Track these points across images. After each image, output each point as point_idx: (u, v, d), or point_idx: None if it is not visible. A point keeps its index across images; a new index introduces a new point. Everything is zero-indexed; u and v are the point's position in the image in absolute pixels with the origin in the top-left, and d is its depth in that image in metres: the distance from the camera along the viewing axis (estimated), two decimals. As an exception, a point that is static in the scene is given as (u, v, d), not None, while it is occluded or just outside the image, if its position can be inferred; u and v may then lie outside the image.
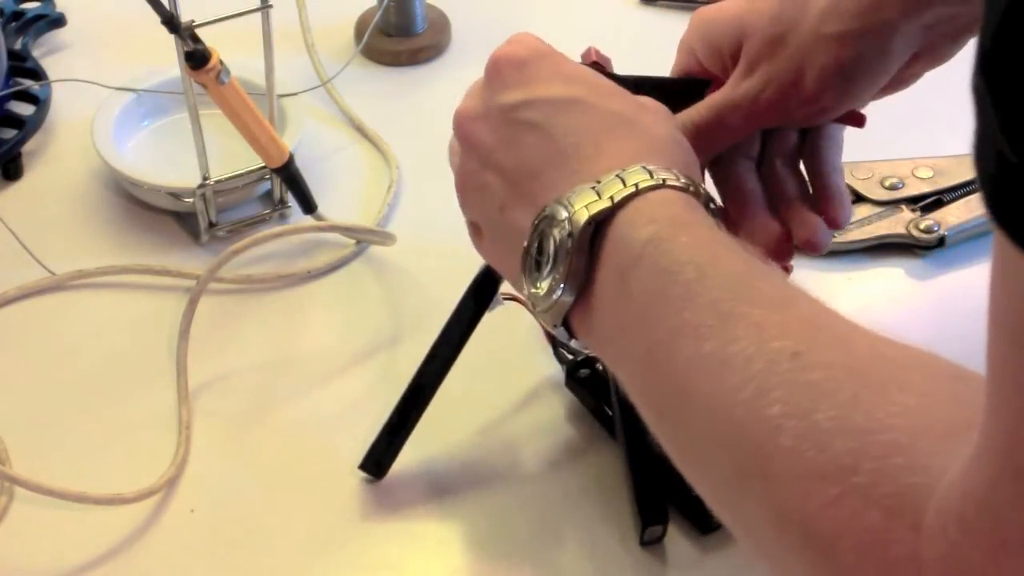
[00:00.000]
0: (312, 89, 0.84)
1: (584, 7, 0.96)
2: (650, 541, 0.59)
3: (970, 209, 0.75)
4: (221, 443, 0.64)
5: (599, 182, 0.46)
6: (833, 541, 0.35)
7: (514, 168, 0.50)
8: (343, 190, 0.79)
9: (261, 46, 0.71)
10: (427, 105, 0.87)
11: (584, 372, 0.65)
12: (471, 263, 0.74)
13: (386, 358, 0.68)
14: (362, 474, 0.62)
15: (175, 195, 0.74)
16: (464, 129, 0.53)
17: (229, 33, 0.67)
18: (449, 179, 0.79)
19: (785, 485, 0.36)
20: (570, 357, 0.66)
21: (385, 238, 0.73)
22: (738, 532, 0.41)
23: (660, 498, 0.59)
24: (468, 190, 0.53)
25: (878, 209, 0.75)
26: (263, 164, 0.73)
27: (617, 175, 0.46)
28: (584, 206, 0.45)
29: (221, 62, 0.66)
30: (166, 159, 0.79)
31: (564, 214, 0.46)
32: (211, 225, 0.74)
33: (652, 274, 0.44)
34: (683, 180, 0.46)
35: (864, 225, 0.74)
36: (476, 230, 0.54)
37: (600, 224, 0.45)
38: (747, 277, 0.43)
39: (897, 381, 0.37)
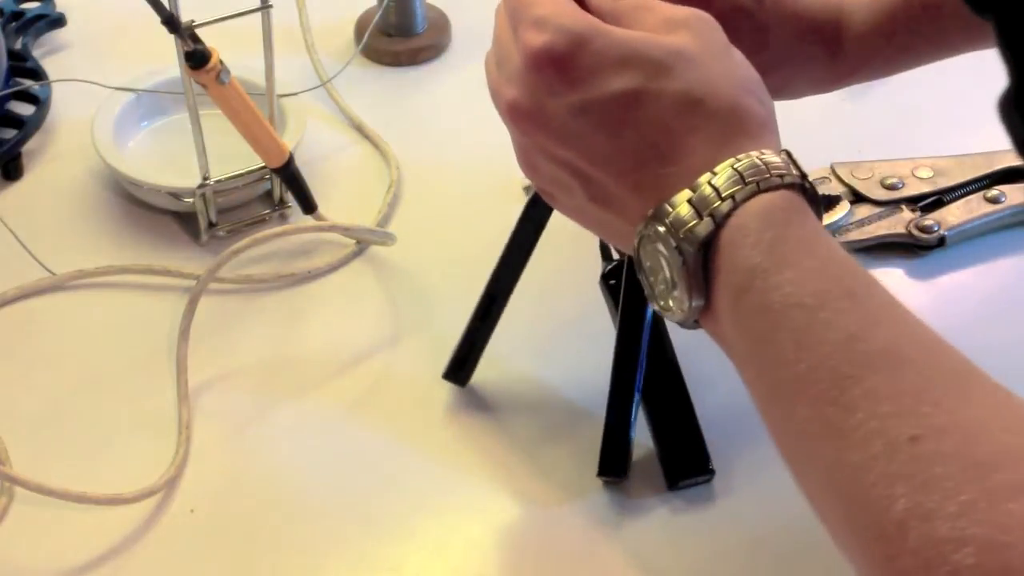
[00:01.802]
0: (312, 89, 0.84)
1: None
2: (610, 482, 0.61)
3: (970, 209, 0.75)
4: (221, 443, 0.64)
5: (694, 191, 0.45)
6: None
7: (588, 168, 0.48)
8: (343, 190, 0.79)
9: (261, 46, 0.71)
10: (427, 105, 0.87)
11: (614, 281, 0.66)
12: (471, 263, 0.74)
13: (386, 358, 0.68)
14: (362, 474, 0.62)
15: (175, 195, 0.74)
16: (519, 124, 0.49)
17: (229, 33, 0.67)
18: (449, 179, 0.80)
19: None
20: (616, 256, 0.67)
21: (385, 238, 0.74)
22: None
23: (624, 452, 0.60)
24: (538, 175, 0.51)
25: (878, 209, 0.75)
26: (263, 164, 0.73)
27: (710, 183, 0.45)
28: (689, 229, 0.45)
29: (221, 62, 0.66)
30: (166, 159, 0.79)
31: (671, 239, 0.45)
32: (211, 225, 0.74)
33: (761, 312, 0.43)
34: (774, 171, 0.45)
35: (864, 225, 0.74)
36: (549, 195, 0.53)
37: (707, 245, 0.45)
38: (857, 323, 0.42)
39: (1011, 485, 0.37)
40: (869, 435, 0.39)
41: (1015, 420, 0.39)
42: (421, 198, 0.79)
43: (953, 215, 0.75)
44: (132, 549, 0.59)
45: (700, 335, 0.48)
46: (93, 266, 0.72)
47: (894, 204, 0.75)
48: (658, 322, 0.62)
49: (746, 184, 0.44)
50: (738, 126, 0.46)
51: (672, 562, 0.59)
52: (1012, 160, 0.77)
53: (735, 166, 0.45)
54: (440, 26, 0.92)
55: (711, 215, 0.44)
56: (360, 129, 0.84)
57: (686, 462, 0.62)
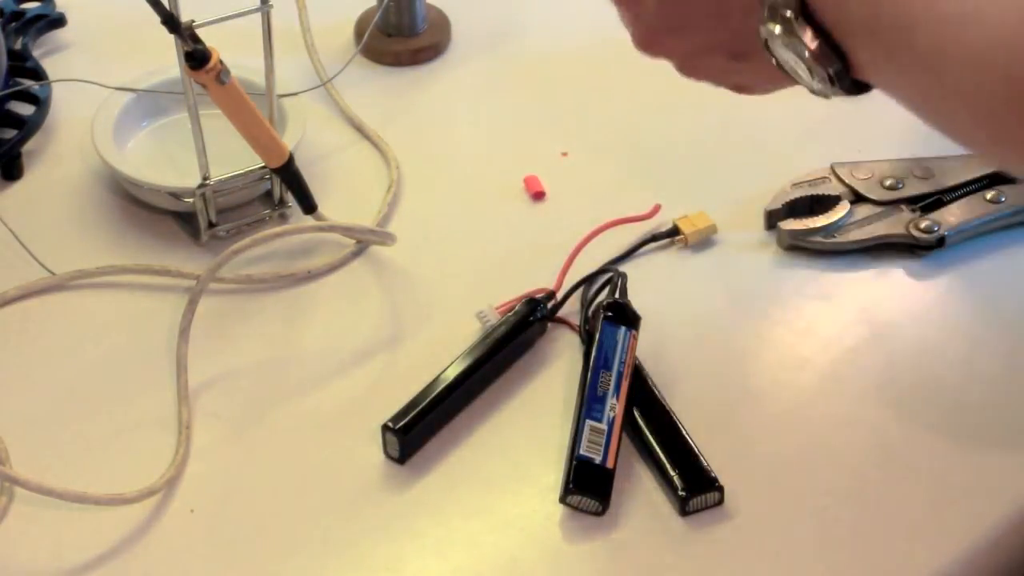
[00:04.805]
0: (312, 89, 0.84)
1: (584, 7, 0.96)
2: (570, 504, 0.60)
3: (970, 209, 0.75)
4: (221, 443, 0.64)
5: None
6: None
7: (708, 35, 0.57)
8: (343, 190, 0.79)
9: (261, 46, 0.71)
10: (427, 105, 0.87)
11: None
12: (471, 263, 0.74)
13: (386, 358, 0.69)
14: (362, 474, 0.62)
15: (175, 195, 0.74)
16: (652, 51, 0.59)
17: (229, 33, 0.67)
18: (449, 179, 0.80)
19: None
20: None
21: (385, 238, 0.74)
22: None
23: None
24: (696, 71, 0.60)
25: (878, 209, 0.75)
26: (263, 164, 0.73)
27: None
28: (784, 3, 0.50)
29: (221, 62, 0.66)
30: (166, 159, 0.79)
31: (776, 16, 0.50)
32: (211, 225, 0.74)
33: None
34: None
35: (864, 225, 0.74)
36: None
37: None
38: None
39: None
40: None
41: None
42: (421, 198, 0.79)
43: (953, 215, 0.75)
44: (132, 549, 0.59)
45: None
46: (93, 266, 0.72)
47: (894, 204, 0.75)
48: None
49: None
50: None
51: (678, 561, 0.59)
52: (1012, 160, 0.77)
53: None
54: (440, 26, 0.92)
55: None
56: (360, 129, 0.84)
57: (692, 482, 0.60)
